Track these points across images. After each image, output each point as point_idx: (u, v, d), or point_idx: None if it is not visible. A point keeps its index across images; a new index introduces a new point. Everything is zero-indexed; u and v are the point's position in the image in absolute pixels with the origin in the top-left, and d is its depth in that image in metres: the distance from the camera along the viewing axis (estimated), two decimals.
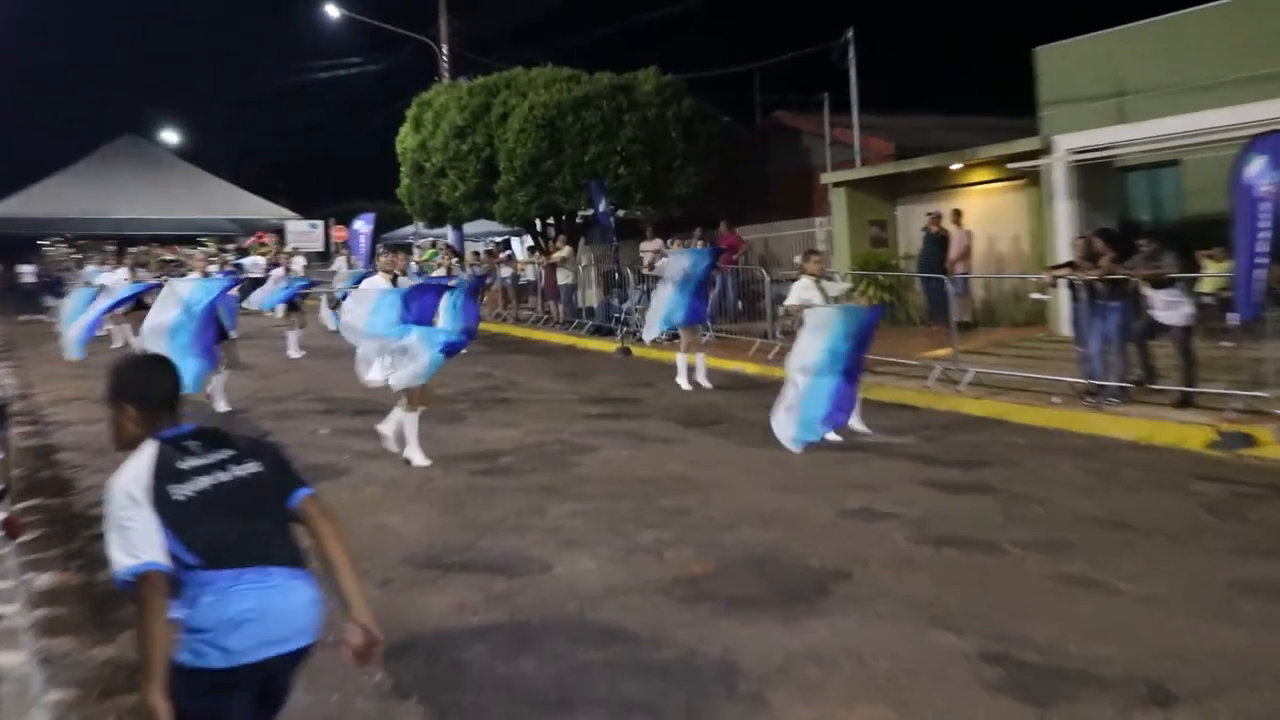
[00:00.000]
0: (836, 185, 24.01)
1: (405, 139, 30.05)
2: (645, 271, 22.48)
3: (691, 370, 16.11)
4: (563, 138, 25.81)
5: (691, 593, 7.04)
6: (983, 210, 21.70)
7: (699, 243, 23.43)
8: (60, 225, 43.82)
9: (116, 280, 21.85)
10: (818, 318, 11.43)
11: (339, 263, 30.63)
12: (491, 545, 8.26)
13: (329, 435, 12.85)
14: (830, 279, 13.35)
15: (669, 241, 23.75)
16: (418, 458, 11.07)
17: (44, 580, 7.66)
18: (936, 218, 21.10)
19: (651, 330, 16.30)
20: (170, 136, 56.05)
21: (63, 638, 6.52)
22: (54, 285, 35.54)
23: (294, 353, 20.86)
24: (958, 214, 21.01)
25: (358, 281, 12.62)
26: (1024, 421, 13.08)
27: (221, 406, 14.42)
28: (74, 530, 8.96)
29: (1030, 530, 8.41)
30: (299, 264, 29.30)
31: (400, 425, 11.30)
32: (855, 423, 11.61)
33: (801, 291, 12.59)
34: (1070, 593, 6.98)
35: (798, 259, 13.46)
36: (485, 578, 7.44)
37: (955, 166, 21.78)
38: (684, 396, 15.39)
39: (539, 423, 13.55)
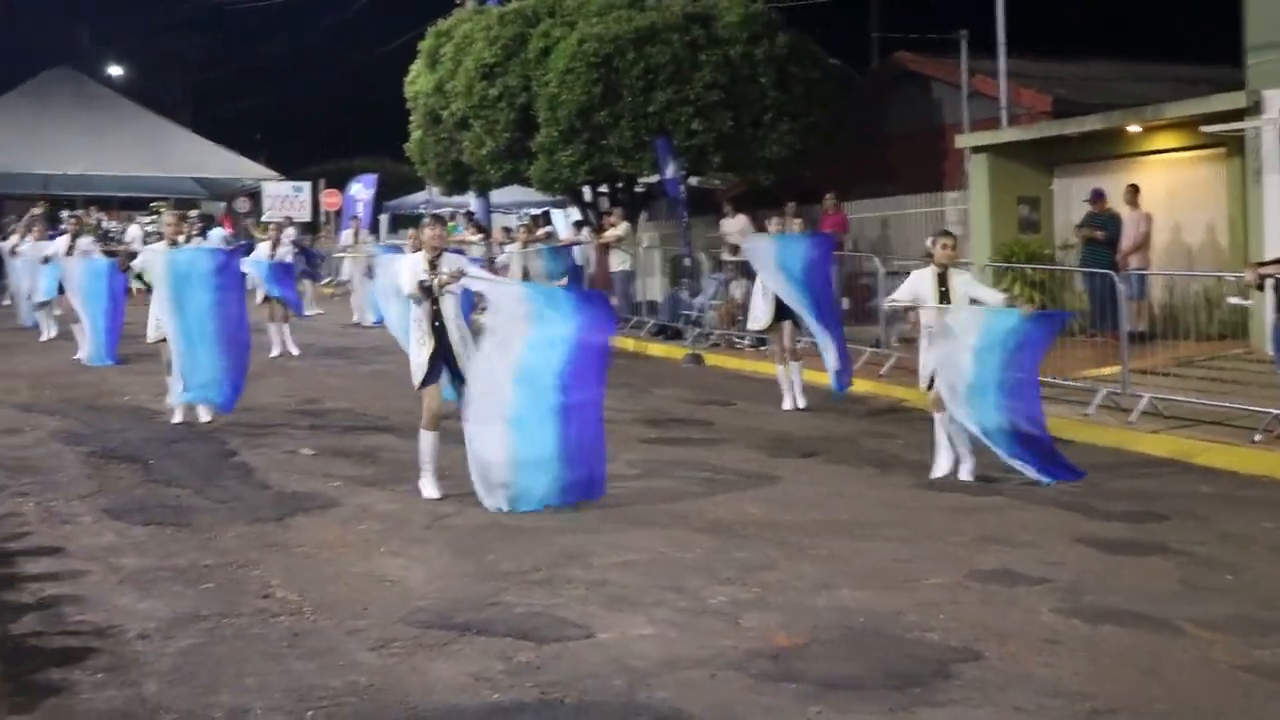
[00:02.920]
0: (976, 150, 23.93)
1: (417, 80, 30.22)
2: (725, 258, 22.58)
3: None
4: (621, 81, 25.89)
5: (774, 670, 7.07)
6: (1167, 187, 21.56)
7: (795, 222, 23.48)
8: None
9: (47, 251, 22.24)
10: (956, 323, 11.50)
11: (345, 235, 30.95)
12: (517, 601, 8.32)
13: (313, 457, 12.99)
14: (962, 269, 13.26)
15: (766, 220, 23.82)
16: (428, 488, 11.20)
17: None
18: (1102, 196, 20.98)
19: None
20: (116, 70, 56.59)
21: None
22: None
23: (277, 350, 21.21)
24: (1134, 191, 20.87)
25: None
26: (1213, 464, 13.00)
27: (177, 418, 14.62)
28: None
29: (1217, 606, 8.37)
30: (290, 237, 29.65)
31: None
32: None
33: (914, 284, 12.61)
34: (1267, 689, 6.95)
35: (928, 242, 13.46)
36: (508, 643, 7.49)
37: (1132, 129, 21.63)
38: (770, 420, 15.43)
39: None
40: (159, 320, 14.37)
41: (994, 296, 12.75)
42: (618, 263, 26.23)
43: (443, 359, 11.21)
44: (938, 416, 12.23)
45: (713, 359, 20.94)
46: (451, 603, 8.26)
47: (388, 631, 7.65)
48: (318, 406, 15.97)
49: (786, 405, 16.26)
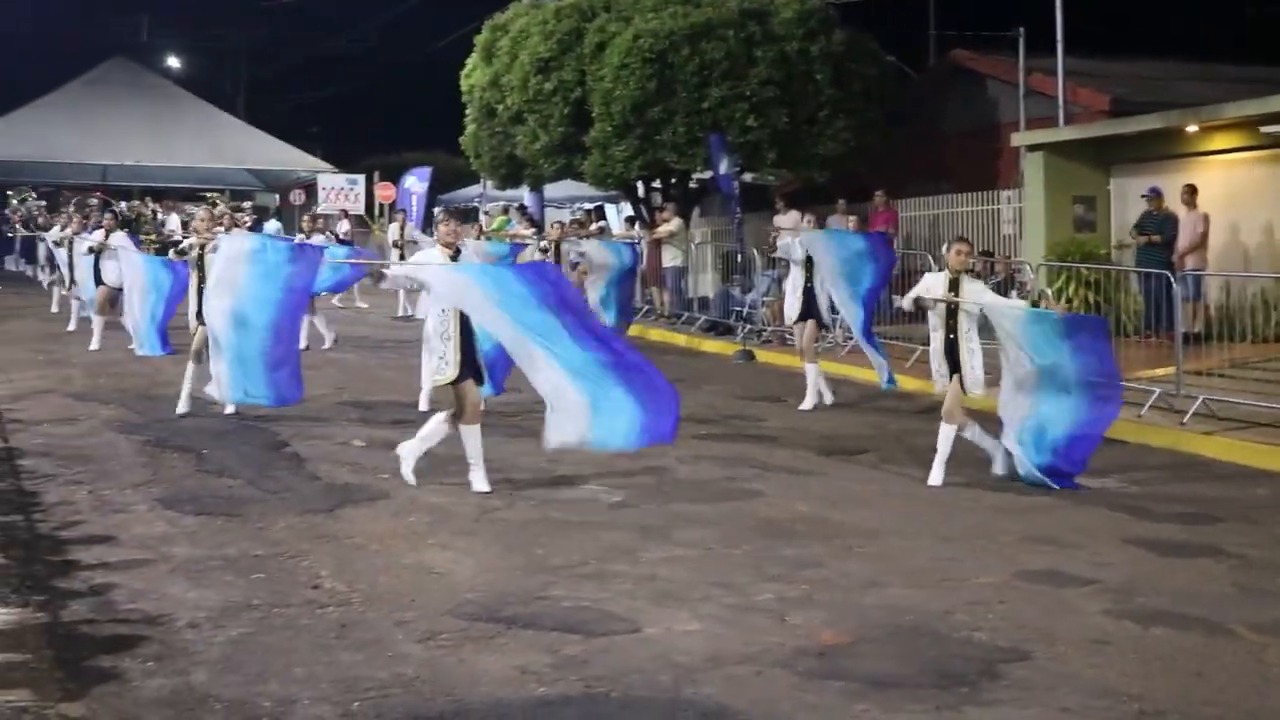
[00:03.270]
0: (1032, 149, 23.81)
1: (473, 73, 30.30)
2: (776, 255, 22.53)
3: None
4: (676, 77, 25.90)
5: (820, 668, 7.07)
6: (1225, 188, 21.40)
7: (849, 220, 23.41)
8: (29, 171, 44.48)
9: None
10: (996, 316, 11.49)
11: (392, 230, 31.14)
12: (565, 595, 8.35)
13: (363, 448, 13.06)
14: (975, 279, 13.04)
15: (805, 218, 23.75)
16: (479, 481, 11.24)
17: None
18: (1160, 195, 20.85)
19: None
20: (174, 62, 56.92)
21: (19, 690, 6.64)
22: (25, 247, 36.54)
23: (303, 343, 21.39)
24: (1191, 191, 20.73)
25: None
26: (1267, 467, 12.92)
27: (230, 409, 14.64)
28: (37, 555, 9.17)
29: (1271, 610, 8.32)
30: (343, 230, 29.77)
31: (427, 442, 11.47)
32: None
33: (926, 285, 12.47)
34: None
35: (944, 248, 13.37)
36: (555, 637, 7.52)
37: (1190, 129, 21.49)
38: (820, 417, 15.42)
39: None
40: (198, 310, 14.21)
41: (1004, 302, 12.75)
42: (670, 258, 26.23)
43: (470, 353, 11.25)
44: (946, 428, 12.09)
45: (764, 356, 20.91)
46: (499, 596, 8.29)
47: (435, 624, 7.68)
48: (369, 399, 16.04)
49: (825, 397, 16.25)
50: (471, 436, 11.33)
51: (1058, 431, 11.85)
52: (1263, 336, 19.17)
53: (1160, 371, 16.16)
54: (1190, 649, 7.52)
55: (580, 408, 10.51)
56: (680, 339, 24.01)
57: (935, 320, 12.23)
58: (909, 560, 9.30)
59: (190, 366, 14.72)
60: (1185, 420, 14.33)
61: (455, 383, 11.22)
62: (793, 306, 16.62)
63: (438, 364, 11.19)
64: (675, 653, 7.25)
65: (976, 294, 12.29)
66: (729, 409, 16.20)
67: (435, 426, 11.40)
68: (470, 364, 11.25)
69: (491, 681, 6.79)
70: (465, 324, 11.14)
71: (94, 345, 20.60)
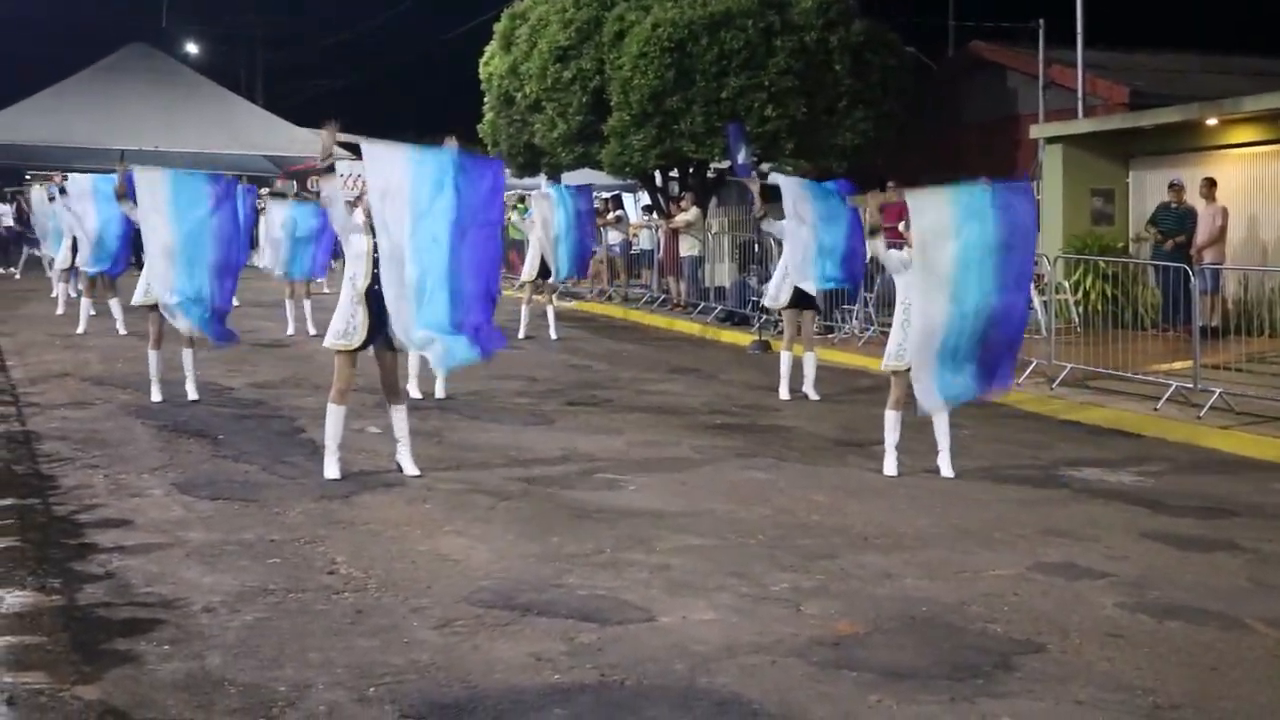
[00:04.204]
0: (1051, 141, 23.80)
1: (491, 61, 30.37)
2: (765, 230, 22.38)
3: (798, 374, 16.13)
4: (694, 66, 25.91)
5: (834, 658, 7.08)
6: (1244, 181, 21.37)
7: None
8: (48, 155, 44.56)
9: None
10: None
11: None
12: (580, 584, 8.36)
13: (379, 435, 13.07)
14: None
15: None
16: (407, 464, 11.33)
17: (14, 601, 7.83)
18: (1180, 188, 20.81)
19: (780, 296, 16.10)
20: (191, 47, 56.96)
21: (35, 673, 6.66)
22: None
23: (292, 329, 21.63)
24: (1210, 185, 20.70)
25: None
26: None
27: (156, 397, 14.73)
28: (53, 539, 9.19)
29: None
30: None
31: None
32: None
33: (895, 254, 12.20)
34: None
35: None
36: (570, 625, 7.53)
37: (1210, 122, 21.46)
38: (835, 407, 15.42)
39: (648, 431, 13.68)
40: (149, 284, 14.21)
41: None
42: (687, 248, 26.26)
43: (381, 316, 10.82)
44: (891, 414, 12.02)
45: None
46: (514, 583, 8.31)
47: (450, 610, 7.70)
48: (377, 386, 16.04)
49: (784, 395, 16.08)
50: (399, 416, 11.34)
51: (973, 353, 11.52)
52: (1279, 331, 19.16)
53: (1177, 365, 16.15)
54: (1205, 643, 7.51)
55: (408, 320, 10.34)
56: (696, 328, 24.02)
57: (903, 284, 11.95)
58: (924, 552, 9.30)
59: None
60: (1202, 414, 14.30)
61: (359, 350, 11.04)
62: (785, 292, 15.98)
63: (344, 326, 10.94)
64: (690, 642, 7.26)
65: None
66: (744, 399, 16.19)
67: (333, 417, 11.19)
68: (380, 329, 10.91)
69: (506, 669, 6.79)
70: (375, 284, 10.74)
71: (80, 329, 21.00)
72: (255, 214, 24.45)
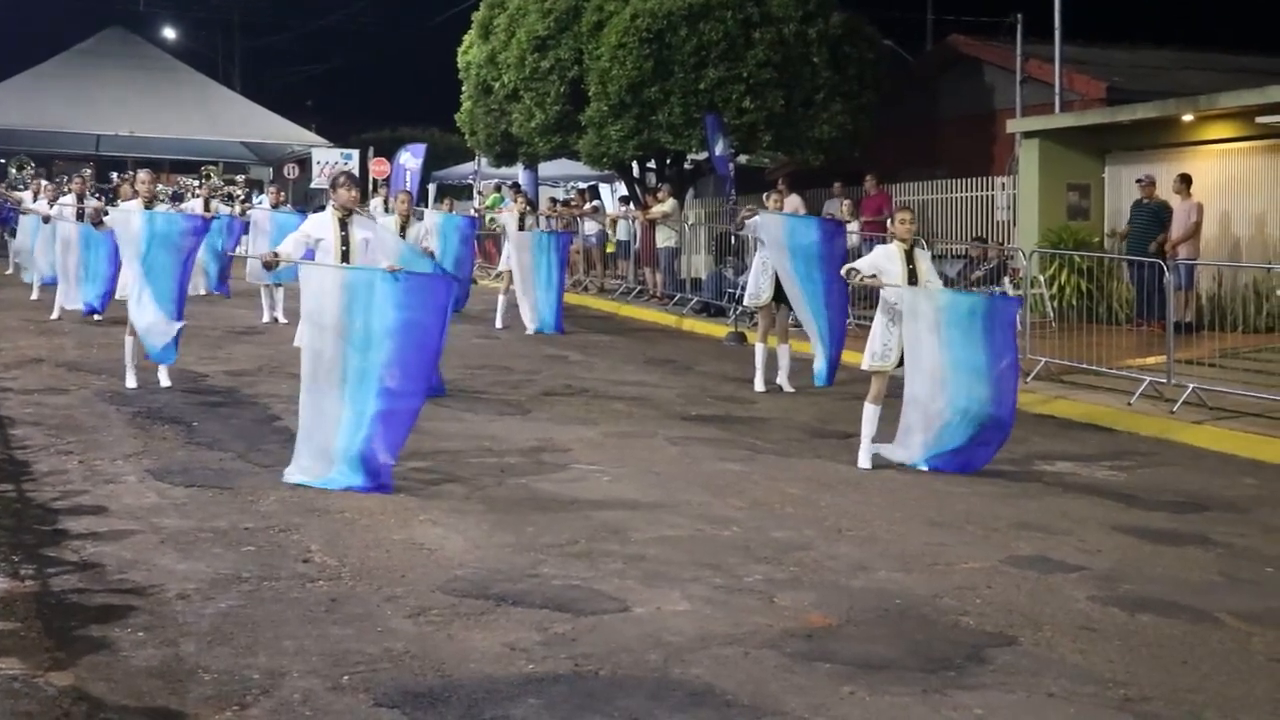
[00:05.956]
0: (1028, 135, 23.84)
1: (469, 50, 30.32)
2: (743, 233, 22.39)
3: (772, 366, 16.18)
4: (673, 57, 25.89)
5: (807, 649, 7.10)
6: (1219, 177, 21.44)
7: (843, 204, 23.40)
8: (21, 140, 44.35)
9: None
10: (908, 303, 11.50)
11: (374, 204, 31.21)
12: (554, 573, 8.37)
13: None
14: (925, 249, 12.81)
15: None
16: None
17: None
18: (1149, 183, 20.86)
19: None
20: (169, 32, 56.76)
21: (8, 659, 6.64)
22: (7, 217, 36.35)
23: (267, 316, 21.77)
24: (1185, 180, 20.74)
25: None
26: (1257, 457, 12.96)
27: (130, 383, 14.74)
28: (27, 525, 9.16)
29: (1257, 598, 8.36)
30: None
31: None
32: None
33: (878, 259, 12.20)
34: None
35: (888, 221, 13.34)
36: (544, 615, 7.53)
37: (1186, 118, 21.51)
38: (811, 400, 15.44)
39: (623, 422, 13.70)
40: (125, 282, 14.53)
41: (938, 282, 12.51)
42: (663, 239, 26.24)
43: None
44: (871, 408, 12.05)
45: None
46: (489, 573, 8.31)
47: (425, 599, 7.70)
48: None
49: (759, 387, 16.07)
50: None
51: (970, 429, 11.71)
52: (1253, 326, 19.24)
53: (1151, 360, 16.20)
54: (1176, 636, 7.56)
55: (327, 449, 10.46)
56: (672, 320, 24.03)
57: (890, 294, 11.97)
58: (898, 544, 9.33)
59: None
60: (1175, 409, 14.35)
61: None
62: (766, 287, 16.05)
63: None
64: (664, 632, 7.27)
65: (931, 273, 12.20)
66: (720, 391, 16.21)
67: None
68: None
69: (480, 658, 6.80)
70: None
71: (54, 315, 20.95)
72: (245, 228, 24.40)
